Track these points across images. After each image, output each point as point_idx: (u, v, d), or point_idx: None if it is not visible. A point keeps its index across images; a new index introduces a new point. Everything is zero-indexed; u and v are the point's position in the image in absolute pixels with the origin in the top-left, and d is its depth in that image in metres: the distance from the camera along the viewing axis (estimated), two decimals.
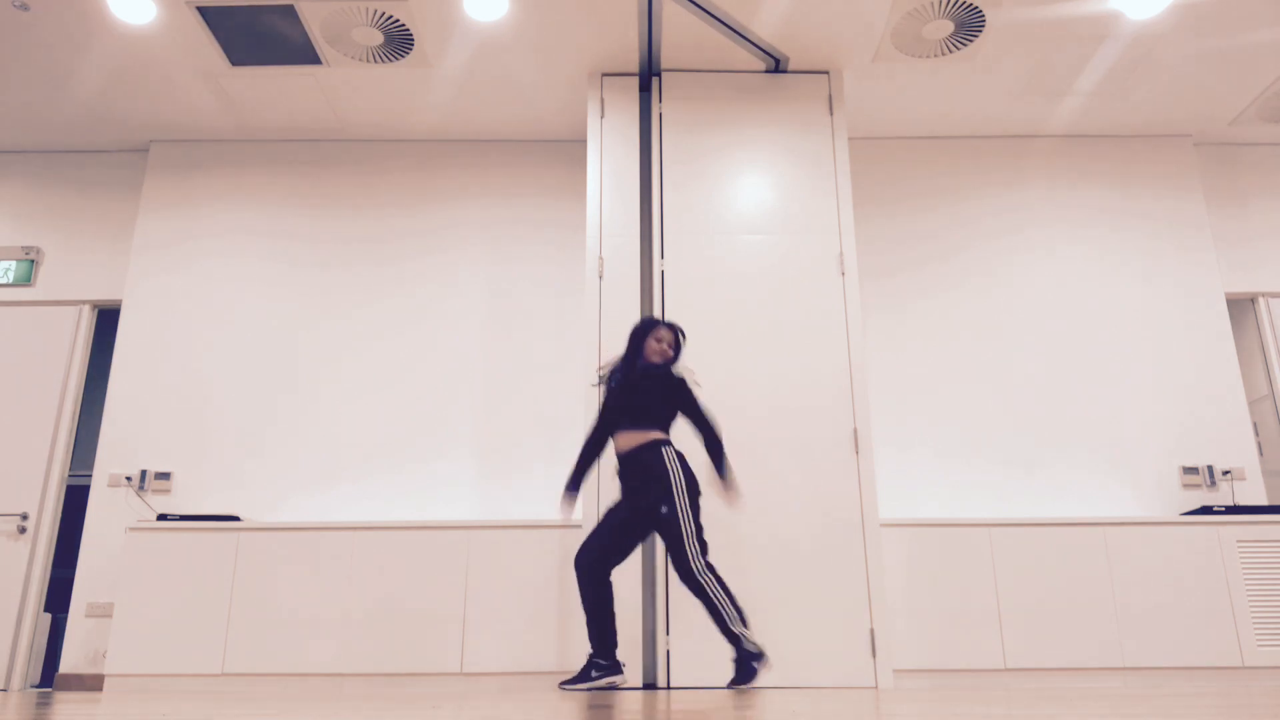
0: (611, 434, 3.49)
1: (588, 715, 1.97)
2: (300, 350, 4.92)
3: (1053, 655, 4.04)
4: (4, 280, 5.13)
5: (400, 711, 2.05)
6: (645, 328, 3.56)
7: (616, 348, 3.83)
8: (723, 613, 3.20)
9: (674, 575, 3.37)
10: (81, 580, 4.57)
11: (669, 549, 3.29)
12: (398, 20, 4.24)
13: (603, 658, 3.32)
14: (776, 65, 4.63)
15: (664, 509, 3.28)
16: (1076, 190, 5.14)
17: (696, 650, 3.80)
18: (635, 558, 3.92)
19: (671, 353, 3.53)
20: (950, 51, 4.48)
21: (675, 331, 3.55)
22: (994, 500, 4.64)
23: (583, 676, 3.30)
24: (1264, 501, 4.62)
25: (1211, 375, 4.81)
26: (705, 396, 4.11)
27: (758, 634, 3.83)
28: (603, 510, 4.00)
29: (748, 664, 3.18)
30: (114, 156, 5.38)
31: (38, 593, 4.70)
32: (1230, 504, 4.55)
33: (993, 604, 4.10)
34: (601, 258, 4.37)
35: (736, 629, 3.20)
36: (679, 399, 3.47)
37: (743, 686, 3.19)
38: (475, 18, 4.25)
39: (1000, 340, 4.90)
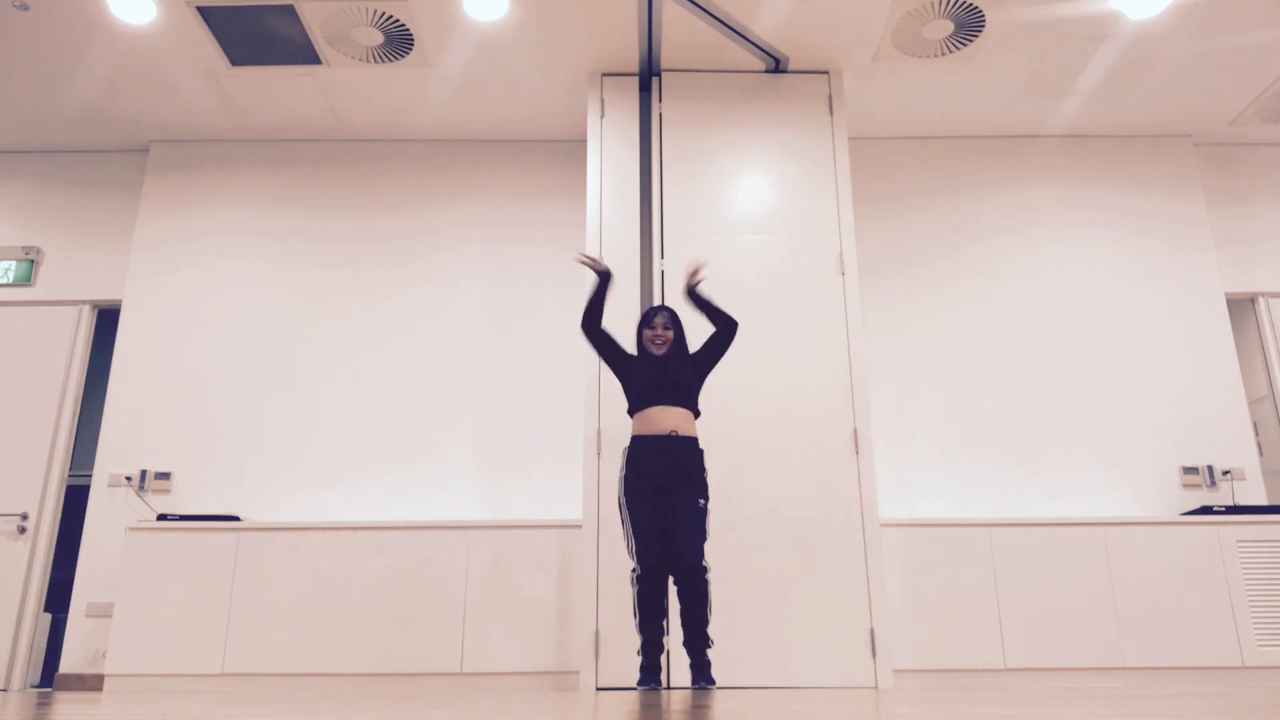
0: (641, 403, 3.45)
1: (588, 716, 1.97)
2: (300, 350, 4.92)
3: (1053, 655, 4.04)
4: (4, 280, 5.13)
5: (400, 711, 2.05)
6: (641, 323, 3.61)
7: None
8: (710, 612, 3.28)
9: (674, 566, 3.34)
10: (81, 580, 4.57)
11: (688, 538, 3.27)
12: (398, 20, 4.24)
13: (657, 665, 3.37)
14: (776, 65, 4.63)
15: (702, 501, 3.35)
16: (1076, 190, 5.14)
17: None
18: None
19: (670, 337, 3.53)
20: (950, 51, 4.48)
21: (667, 315, 3.57)
22: (994, 500, 4.63)
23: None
24: (1264, 501, 4.62)
25: (1211, 375, 4.81)
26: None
27: (757, 633, 3.83)
28: (607, 509, 3.99)
29: (708, 672, 3.28)
30: (114, 156, 5.38)
31: (38, 593, 4.70)
32: (1230, 504, 4.55)
33: (993, 604, 4.10)
34: (602, 257, 4.37)
35: (710, 633, 3.29)
36: (706, 356, 3.54)
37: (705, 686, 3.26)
38: (475, 18, 4.25)
39: (1000, 340, 4.90)
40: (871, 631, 3.85)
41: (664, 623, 3.36)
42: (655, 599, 3.30)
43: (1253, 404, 5.08)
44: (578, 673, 3.98)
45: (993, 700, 2.37)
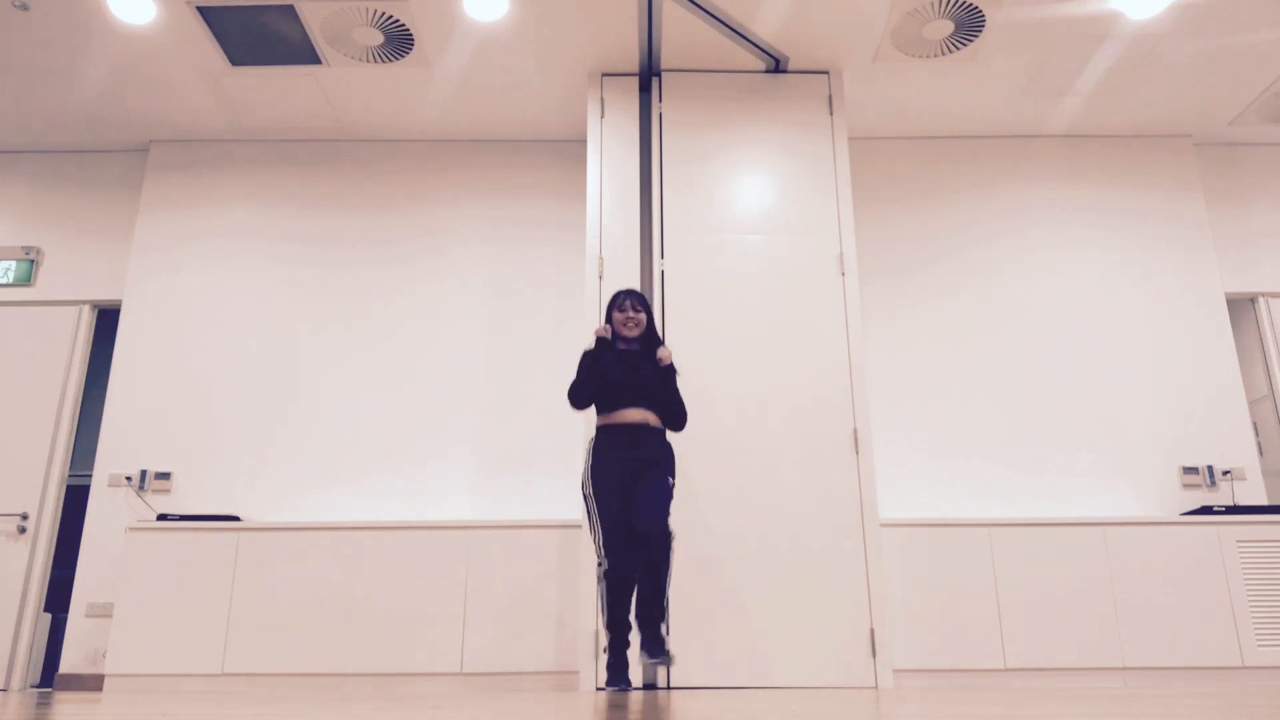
0: (610, 405, 3.47)
1: (587, 716, 1.97)
2: (300, 350, 4.92)
3: (1053, 655, 4.04)
4: (4, 280, 5.12)
5: (400, 711, 2.05)
6: (610, 304, 3.59)
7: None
8: (668, 581, 3.24)
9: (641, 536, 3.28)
10: (81, 580, 4.57)
11: (653, 500, 3.27)
12: (398, 20, 4.24)
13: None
14: (776, 65, 4.63)
15: (670, 479, 3.39)
16: (1077, 190, 5.14)
17: (697, 650, 3.80)
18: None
19: (642, 320, 3.53)
20: (950, 51, 4.48)
21: (636, 297, 3.56)
22: (994, 500, 4.64)
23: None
24: (1264, 501, 4.62)
25: (1211, 375, 4.81)
26: (698, 394, 4.11)
27: (757, 633, 3.83)
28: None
29: (663, 645, 3.20)
30: (114, 156, 5.38)
31: (38, 593, 4.70)
32: (1230, 504, 4.55)
33: (993, 604, 4.10)
34: (601, 258, 4.37)
35: (667, 605, 3.26)
36: (667, 386, 3.54)
37: (657, 660, 3.18)
38: (475, 18, 4.25)
39: (1000, 340, 4.90)
40: (871, 631, 3.85)
41: (630, 619, 3.35)
42: (624, 594, 3.30)
43: (1253, 404, 5.08)
44: (578, 672, 3.98)
45: (993, 700, 2.37)
